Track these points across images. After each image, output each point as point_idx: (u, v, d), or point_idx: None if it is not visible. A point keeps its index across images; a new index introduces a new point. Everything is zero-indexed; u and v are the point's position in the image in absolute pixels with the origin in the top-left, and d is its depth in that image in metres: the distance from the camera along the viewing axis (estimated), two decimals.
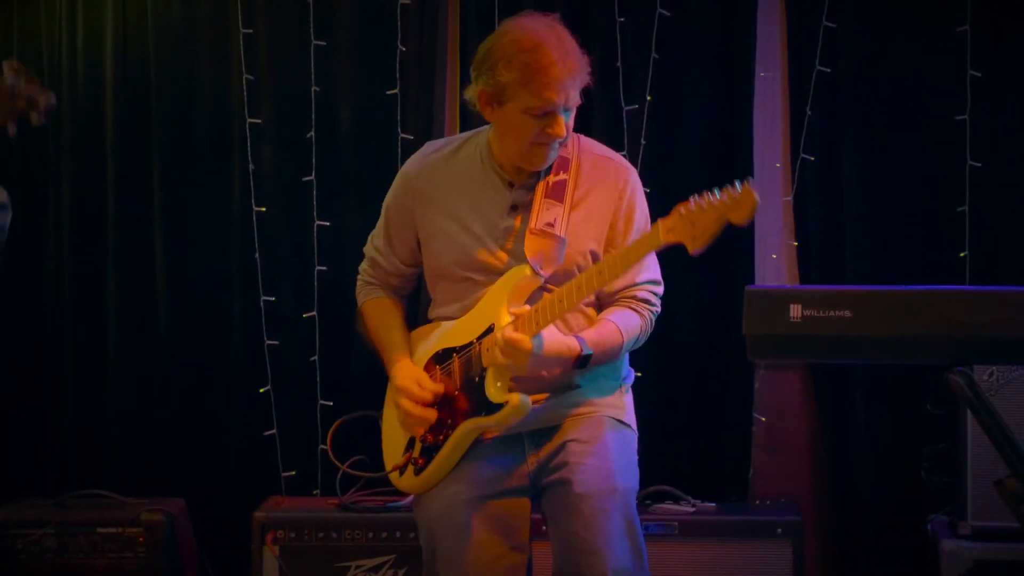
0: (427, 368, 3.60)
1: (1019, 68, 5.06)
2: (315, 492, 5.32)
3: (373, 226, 5.29)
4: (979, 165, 5.04)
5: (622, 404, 3.67)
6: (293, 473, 5.33)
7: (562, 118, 3.41)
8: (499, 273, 3.50)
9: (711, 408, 5.23)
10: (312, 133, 5.32)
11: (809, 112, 5.12)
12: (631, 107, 5.18)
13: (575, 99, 3.42)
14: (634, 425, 3.71)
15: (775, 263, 5.27)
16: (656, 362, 5.18)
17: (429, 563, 3.50)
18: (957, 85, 5.05)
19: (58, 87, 5.36)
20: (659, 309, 3.63)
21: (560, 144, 3.48)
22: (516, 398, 3.37)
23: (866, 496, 5.12)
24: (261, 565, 4.78)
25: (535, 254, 3.44)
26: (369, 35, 5.33)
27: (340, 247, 5.34)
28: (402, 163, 5.23)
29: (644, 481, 4.96)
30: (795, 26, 5.18)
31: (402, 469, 3.58)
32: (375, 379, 5.26)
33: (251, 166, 5.33)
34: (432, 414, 3.51)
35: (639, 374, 5.15)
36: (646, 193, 5.20)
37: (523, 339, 3.29)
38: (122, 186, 5.38)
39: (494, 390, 3.39)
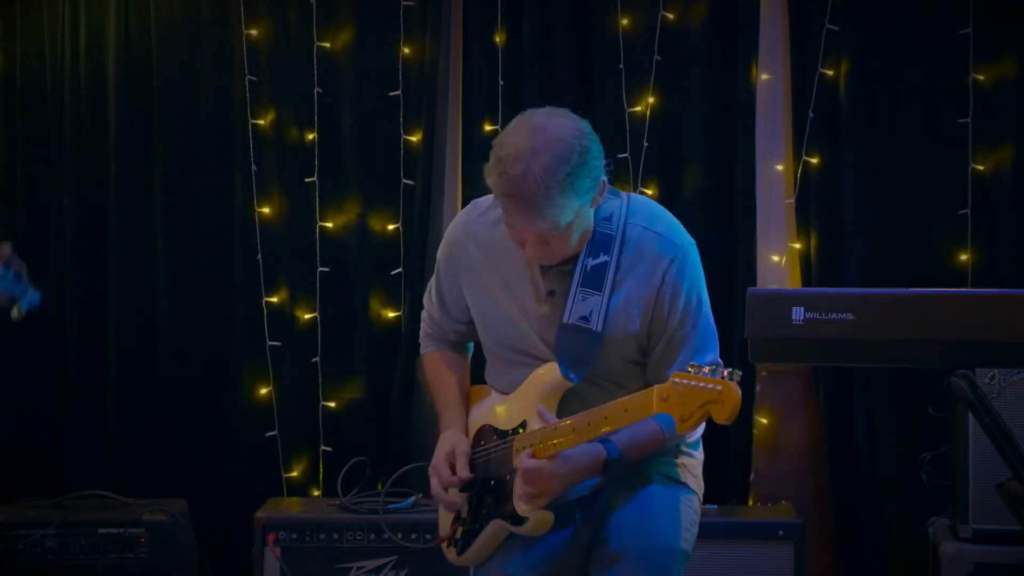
0: (475, 438, 3.43)
1: (1021, 70, 5.05)
2: (316, 493, 5.32)
3: (374, 228, 5.33)
4: (981, 168, 5.04)
5: (676, 463, 3.39)
6: (295, 474, 5.34)
7: (532, 244, 3.15)
8: (542, 360, 3.28)
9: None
10: (315, 134, 5.32)
11: (811, 114, 5.12)
12: (633, 109, 5.18)
13: (542, 229, 3.10)
14: (693, 484, 3.41)
15: (776, 265, 5.27)
16: None
17: None
18: (959, 88, 5.05)
19: (60, 88, 5.37)
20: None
21: (552, 257, 3.21)
22: (539, 515, 3.22)
23: (867, 499, 5.12)
24: (262, 566, 4.78)
25: (567, 353, 3.22)
26: (372, 37, 5.34)
27: (342, 249, 5.34)
28: (404, 165, 5.28)
29: None
30: (797, 28, 5.18)
31: (449, 540, 3.46)
32: (376, 381, 5.31)
33: (253, 167, 5.33)
34: (457, 502, 3.37)
35: None
36: (645, 196, 5.22)
37: (542, 466, 3.13)
38: (124, 187, 5.38)
39: (521, 502, 3.23)
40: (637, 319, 3.24)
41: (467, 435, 3.43)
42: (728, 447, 5.16)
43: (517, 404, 3.32)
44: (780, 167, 5.26)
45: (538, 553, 3.31)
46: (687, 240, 3.31)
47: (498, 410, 3.39)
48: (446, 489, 3.36)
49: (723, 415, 2.91)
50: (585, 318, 3.22)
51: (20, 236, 5.40)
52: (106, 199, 5.38)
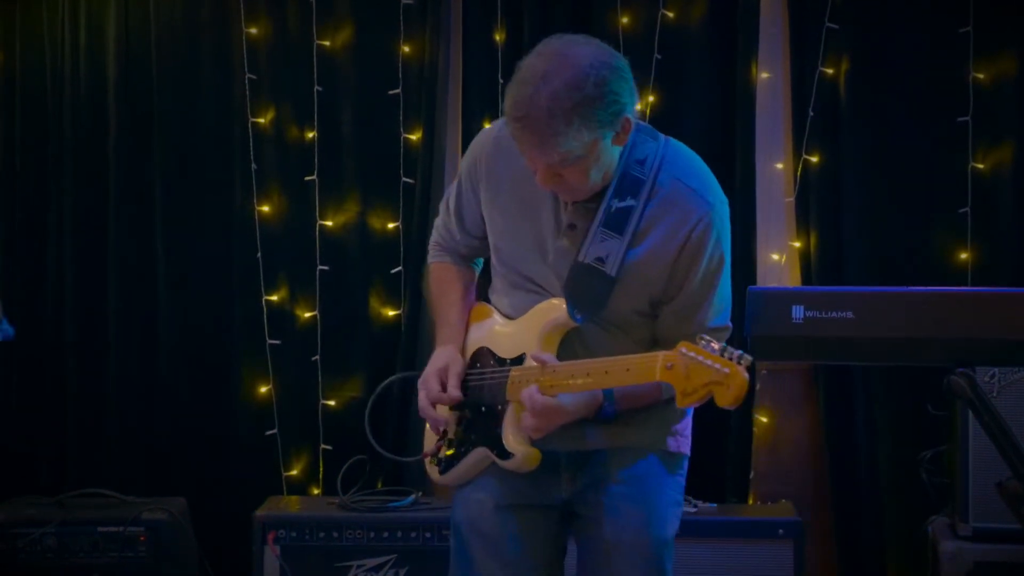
0: (472, 359, 3.31)
1: (1021, 69, 5.06)
2: (316, 492, 5.32)
3: (374, 226, 5.33)
4: (981, 167, 5.05)
5: (674, 427, 3.32)
6: (294, 472, 5.34)
7: (543, 172, 2.99)
8: (549, 293, 3.18)
9: (712, 409, 5.20)
10: (314, 133, 5.33)
11: (811, 113, 5.12)
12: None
13: (551, 160, 2.97)
14: (687, 447, 3.36)
15: (776, 264, 5.27)
16: None
17: (456, 564, 3.34)
18: (960, 86, 5.05)
19: (60, 87, 5.38)
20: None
21: (569, 191, 3.09)
22: (526, 452, 3.15)
23: (867, 497, 5.12)
24: (262, 565, 4.78)
25: (577, 292, 3.10)
26: (371, 35, 5.34)
27: (342, 247, 5.34)
28: (404, 163, 5.28)
29: None
30: (797, 27, 5.18)
31: (433, 456, 3.35)
32: (376, 380, 5.30)
33: (253, 166, 5.34)
34: (442, 420, 3.27)
35: None
36: None
37: (552, 404, 3.04)
38: (124, 186, 5.39)
39: (511, 436, 3.17)
40: (655, 273, 3.11)
41: (464, 354, 3.32)
42: (728, 445, 5.16)
43: (519, 333, 3.21)
44: (780, 165, 5.26)
45: (516, 484, 3.23)
46: (720, 198, 3.16)
47: (499, 334, 3.28)
48: (434, 405, 3.26)
49: (727, 399, 2.84)
50: (601, 259, 3.09)
51: (19, 234, 5.41)
52: (106, 197, 5.38)
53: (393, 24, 5.29)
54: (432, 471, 3.37)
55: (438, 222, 3.48)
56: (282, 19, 5.37)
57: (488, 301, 3.37)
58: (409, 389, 5.24)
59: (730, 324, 3.21)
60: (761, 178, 5.21)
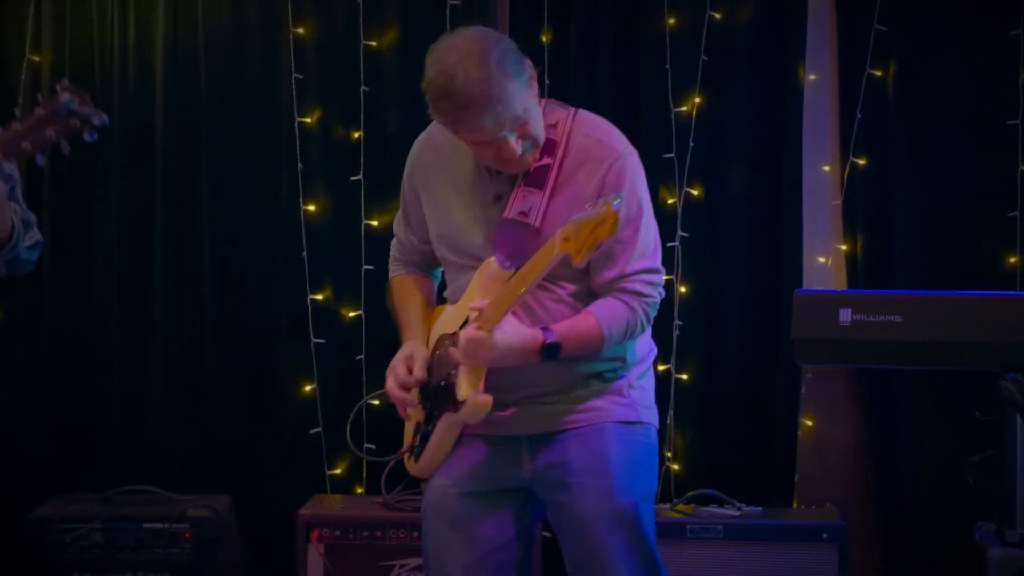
0: (432, 349, 3.50)
1: None
2: (359, 491, 5.33)
3: None
4: None
5: (629, 397, 3.44)
6: (338, 471, 5.35)
7: (507, 141, 3.22)
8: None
9: (757, 412, 5.21)
10: (360, 133, 5.34)
11: (859, 115, 5.09)
12: (679, 109, 5.17)
13: (512, 122, 3.19)
14: (647, 416, 3.47)
15: (823, 267, 5.25)
16: (703, 365, 5.18)
17: (425, 553, 3.49)
18: (1009, 89, 5.01)
19: (109, 88, 5.40)
20: (656, 299, 3.38)
21: (532, 147, 3.28)
22: (475, 398, 3.26)
23: (912, 502, 5.09)
24: (306, 563, 4.80)
25: (505, 246, 3.28)
26: (418, 36, 5.33)
27: (387, 247, 5.32)
28: None
29: (689, 484, 5.00)
30: (845, 29, 5.16)
31: (409, 451, 3.52)
32: None
33: (299, 165, 5.35)
34: (407, 399, 3.43)
35: (683, 376, 5.17)
36: (691, 195, 5.19)
37: (479, 335, 3.18)
38: (171, 185, 5.41)
39: (463, 386, 3.29)
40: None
41: (427, 347, 3.51)
42: (773, 448, 5.15)
43: (462, 307, 3.38)
44: (827, 168, 5.23)
45: (480, 471, 3.40)
46: (629, 148, 3.37)
47: (450, 316, 3.46)
48: (402, 389, 3.42)
49: (605, 231, 2.96)
50: (524, 213, 3.28)
51: (67, 232, 5.44)
52: (153, 196, 5.41)
53: (439, 24, 5.29)
54: (410, 464, 3.52)
55: (393, 240, 3.70)
56: (329, 20, 5.39)
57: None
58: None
59: (660, 267, 3.38)
60: (808, 180, 5.18)
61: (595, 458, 3.35)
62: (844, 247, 5.19)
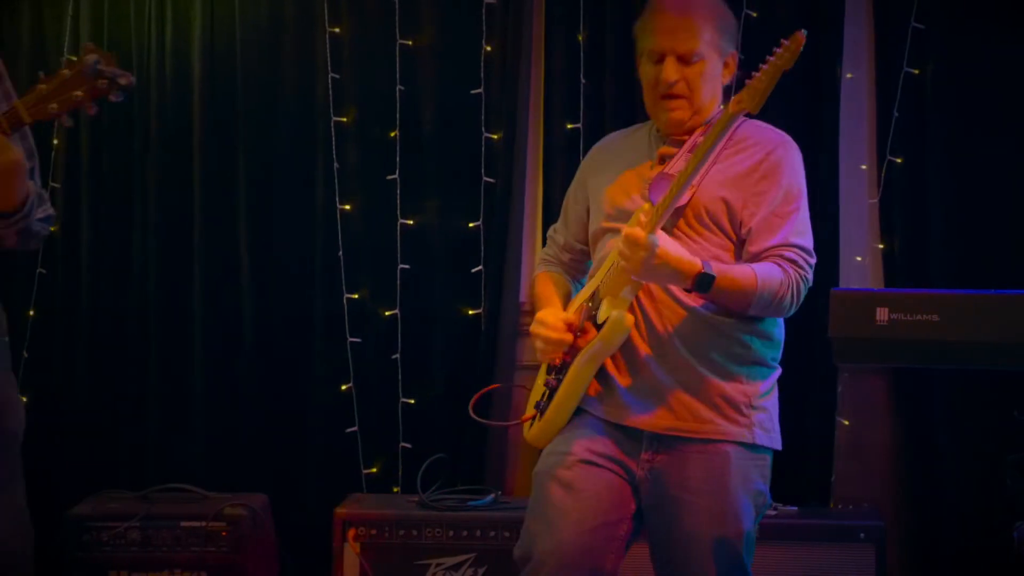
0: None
1: None
2: (396, 489, 5.34)
3: (455, 225, 5.34)
4: None
5: (750, 418, 3.39)
6: (374, 470, 5.36)
7: (672, 64, 3.33)
8: None
9: (794, 411, 5.17)
10: (396, 132, 5.35)
11: (896, 114, 5.07)
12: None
13: (690, 46, 3.33)
14: (768, 441, 3.43)
15: (860, 266, 5.23)
16: None
17: (533, 508, 3.41)
18: None
19: (146, 86, 5.42)
20: (809, 276, 3.35)
21: (684, 99, 3.37)
22: (616, 314, 3.28)
23: (950, 502, 5.06)
24: (342, 562, 4.81)
25: (658, 192, 3.28)
26: (454, 34, 5.35)
27: (423, 246, 5.36)
28: (485, 162, 5.29)
29: None
30: (883, 27, 5.14)
31: (531, 421, 3.49)
32: (456, 378, 5.31)
33: (336, 164, 5.37)
34: (568, 336, 3.39)
35: None
36: None
37: (639, 233, 3.14)
38: (208, 184, 5.43)
39: (604, 306, 3.32)
40: (733, 189, 3.35)
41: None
42: (809, 448, 5.13)
43: (600, 271, 3.42)
44: (864, 167, 5.21)
45: (598, 446, 3.37)
46: (792, 141, 3.47)
47: (587, 287, 3.49)
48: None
49: (787, 58, 3.08)
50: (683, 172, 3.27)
51: (106, 230, 5.47)
52: (190, 196, 5.43)
53: (475, 24, 5.30)
54: (531, 433, 3.51)
55: (547, 238, 3.74)
56: (365, 19, 5.40)
57: None
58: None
59: (813, 252, 3.38)
60: (844, 179, 5.16)
61: (714, 480, 3.32)
62: (881, 246, 5.16)
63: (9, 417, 3.30)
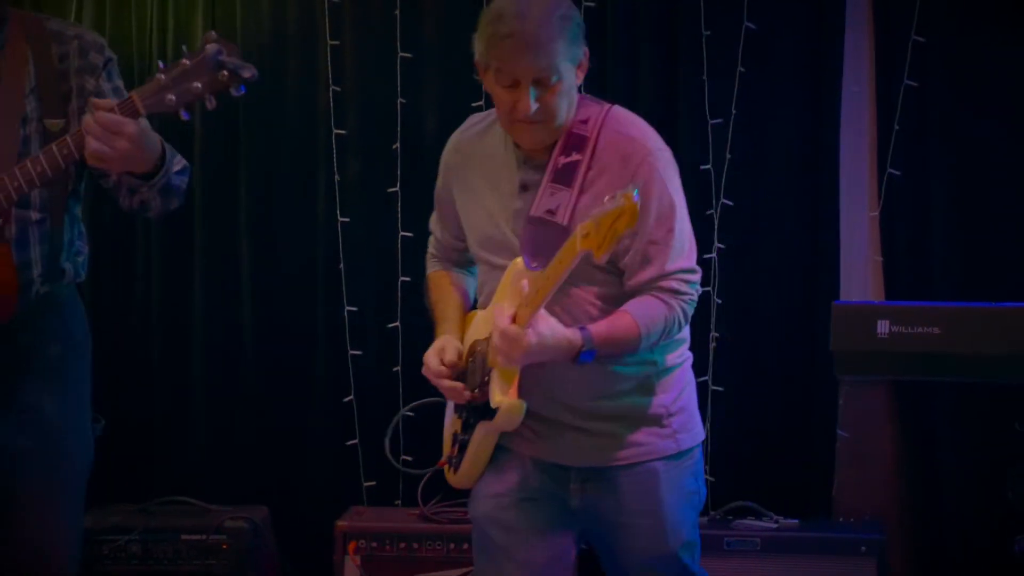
0: (467, 357, 3.43)
1: None
2: (396, 502, 5.34)
3: None
4: None
5: (671, 427, 3.35)
6: (375, 483, 5.36)
7: (527, 94, 3.16)
8: (517, 256, 3.29)
9: (795, 424, 5.19)
10: (397, 144, 5.35)
11: (897, 127, 5.07)
12: (716, 121, 5.16)
13: (546, 73, 3.15)
14: (690, 440, 3.39)
15: (860, 278, 5.22)
16: (740, 377, 5.17)
17: (479, 556, 3.45)
18: None
19: None
20: (694, 296, 3.29)
21: (543, 122, 3.21)
22: (508, 403, 3.20)
23: (952, 515, 5.06)
24: (343, 574, 4.81)
25: (531, 246, 3.22)
26: (454, 48, 5.34)
27: (424, 258, 5.35)
28: None
29: (726, 496, 4.98)
30: (883, 40, 5.14)
31: (447, 462, 3.48)
32: None
33: (336, 177, 5.37)
34: (458, 386, 3.33)
35: (720, 388, 5.15)
36: (728, 207, 5.17)
37: (513, 329, 3.08)
38: (208, 195, 5.44)
39: (496, 393, 3.23)
40: None
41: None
42: (810, 460, 5.13)
43: (491, 311, 3.30)
44: (865, 179, 5.21)
45: (530, 483, 3.36)
46: (661, 145, 3.30)
47: (481, 320, 3.40)
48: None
49: (623, 224, 2.90)
50: (551, 211, 3.21)
51: (107, 242, 5.47)
52: (191, 206, 5.43)
53: None
54: (449, 476, 3.48)
55: (430, 237, 3.67)
56: (366, 31, 5.40)
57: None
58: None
59: (696, 267, 3.29)
60: (845, 191, 5.17)
61: (649, 499, 3.32)
62: (882, 258, 5.16)
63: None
